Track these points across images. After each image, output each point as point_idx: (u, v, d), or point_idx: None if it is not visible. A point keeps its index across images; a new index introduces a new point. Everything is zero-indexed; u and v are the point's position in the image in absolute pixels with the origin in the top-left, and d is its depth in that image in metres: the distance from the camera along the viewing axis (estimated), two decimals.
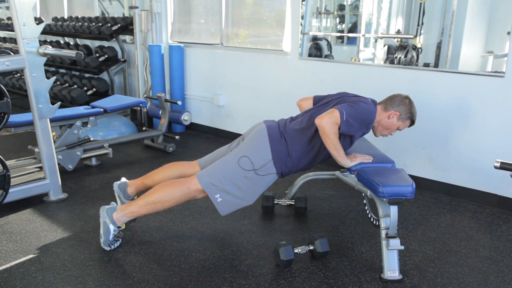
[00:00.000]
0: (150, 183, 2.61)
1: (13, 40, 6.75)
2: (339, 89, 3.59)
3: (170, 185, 2.40)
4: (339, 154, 2.35)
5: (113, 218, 2.41)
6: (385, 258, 2.19)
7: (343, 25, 4.14)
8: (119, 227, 2.44)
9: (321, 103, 2.57)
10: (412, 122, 2.57)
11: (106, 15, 6.04)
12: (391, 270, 2.19)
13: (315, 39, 3.99)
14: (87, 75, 5.58)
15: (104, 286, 2.13)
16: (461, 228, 2.78)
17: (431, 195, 3.27)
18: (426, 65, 3.36)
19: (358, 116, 2.33)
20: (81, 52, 3.03)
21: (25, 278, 2.19)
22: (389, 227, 2.18)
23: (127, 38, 5.73)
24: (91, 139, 3.75)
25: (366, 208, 2.79)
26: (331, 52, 4.00)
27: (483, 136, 3.02)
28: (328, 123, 2.26)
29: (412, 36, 3.53)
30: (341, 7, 4.16)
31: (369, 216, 2.74)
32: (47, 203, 3.05)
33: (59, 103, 3.12)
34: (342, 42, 4.12)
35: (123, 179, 2.75)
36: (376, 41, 3.77)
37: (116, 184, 2.73)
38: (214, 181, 2.34)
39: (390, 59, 3.61)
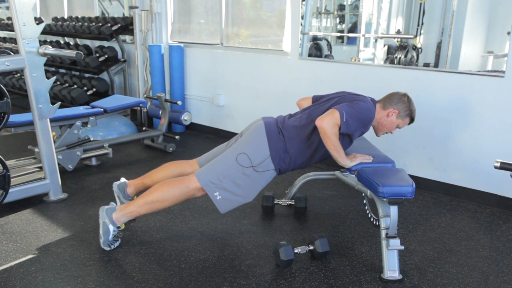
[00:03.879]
0: (150, 182, 2.60)
1: (13, 40, 6.74)
2: (339, 89, 3.60)
3: (169, 184, 2.39)
4: (339, 155, 2.35)
5: (112, 218, 2.40)
6: (385, 258, 2.19)
7: (343, 25, 4.14)
8: (118, 227, 2.44)
9: (321, 101, 2.57)
10: (412, 120, 2.55)
11: (106, 15, 6.04)
12: (391, 270, 2.19)
13: (315, 39, 3.99)
14: (87, 75, 5.58)
15: (104, 286, 2.13)
16: (461, 228, 2.78)
17: (431, 195, 3.27)
18: (426, 65, 3.36)
19: (357, 115, 2.32)
20: (81, 52, 3.03)
21: (25, 278, 2.19)
22: (389, 227, 2.18)
23: (127, 38, 5.73)
24: (91, 139, 3.75)
25: (366, 208, 2.79)
26: (331, 52, 4.00)
27: (483, 136, 3.02)
28: (329, 125, 2.25)
29: (412, 36, 3.53)
30: (341, 7, 4.16)
31: (369, 216, 2.74)
32: (47, 203, 3.05)
33: (59, 103, 3.12)
34: (342, 42, 4.12)
35: (123, 179, 2.75)
36: (376, 41, 3.77)
37: (115, 185, 2.73)
38: (213, 179, 2.33)
39: (390, 59, 3.61)
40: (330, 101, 2.50)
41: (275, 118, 2.52)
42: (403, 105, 2.48)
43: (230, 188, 2.33)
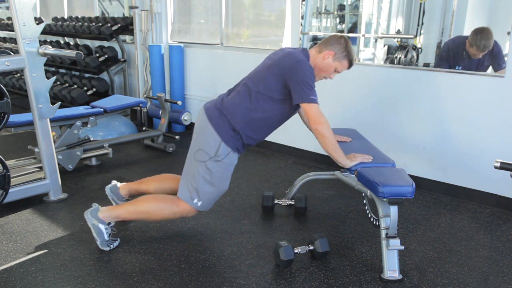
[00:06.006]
0: (145, 189, 2.64)
1: (13, 40, 6.74)
2: (339, 88, 3.60)
3: (164, 199, 2.42)
4: (338, 155, 2.33)
5: (99, 217, 2.41)
6: (385, 258, 2.19)
7: (343, 25, 4.14)
8: (109, 223, 2.44)
9: (255, 70, 2.43)
10: (350, 63, 2.41)
11: (106, 15, 6.04)
12: (391, 270, 2.19)
13: (315, 39, 3.99)
14: (87, 75, 5.58)
15: (104, 286, 2.13)
16: (461, 228, 2.78)
17: (431, 195, 3.27)
18: (426, 65, 3.36)
19: (311, 82, 2.25)
20: (81, 52, 3.03)
21: (25, 278, 2.19)
22: (389, 227, 2.18)
23: (127, 38, 5.73)
24: (91, 139, 3.75)
25: (366, 208, 2.79)
26: None
27: (483, 136, 3.02)
28: (325, 125, 2.23)
29: (412, 36, 3.53)
30: (341, 7, 4.17)
31: (369, 216, 2.74)
32: (47, 203, 3.05)
33: (59, 103, 3.12)
34: None
35: (113, 182, 2.77)
36: (376, 41, 3.78)
37: (107, 188, 2.76)
38: (189, 189, 2.34)
39: (390, 59, 3.62)
40: (264, 68, 2.35)
41: (215, 100, 2.42)
42: (339, 46, 2.35)
43: (204, 188, 2.33)
